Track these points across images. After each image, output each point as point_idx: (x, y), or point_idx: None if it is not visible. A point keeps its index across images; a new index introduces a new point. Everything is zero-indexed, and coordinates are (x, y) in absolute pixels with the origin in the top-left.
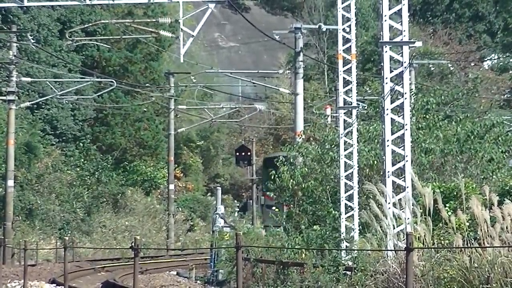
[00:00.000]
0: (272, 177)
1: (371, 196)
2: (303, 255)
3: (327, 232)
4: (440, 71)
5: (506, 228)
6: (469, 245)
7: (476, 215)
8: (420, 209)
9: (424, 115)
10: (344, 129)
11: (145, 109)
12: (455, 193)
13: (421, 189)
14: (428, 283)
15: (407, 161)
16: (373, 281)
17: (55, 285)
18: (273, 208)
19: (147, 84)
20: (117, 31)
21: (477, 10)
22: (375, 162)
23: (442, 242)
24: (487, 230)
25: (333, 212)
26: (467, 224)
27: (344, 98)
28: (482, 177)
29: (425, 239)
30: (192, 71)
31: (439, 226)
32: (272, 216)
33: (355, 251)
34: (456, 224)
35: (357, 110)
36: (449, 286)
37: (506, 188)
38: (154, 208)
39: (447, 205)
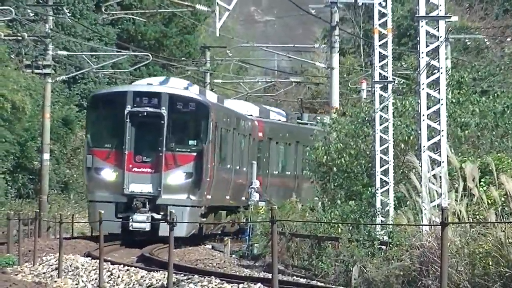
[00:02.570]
0: (100, 123)
1: (408, 170)
2: (339, 230)
3: (362, 207)
4: (476, 46)
5: None
6: (503, 220)
7: (508, 190)
8: (456, 183)
9: (459, 91)
10: (380, 103)
11: None
12: (490, 168)
13: (457, 164)
14: (463, 258)
15: (442, 136)
16: (408, 256)
17: (90, 258)
18: (108, 172)
19: (182, 58)
20: (153, 5)
21: None
22: (411, 137)
23: (477, 217)
24: None
25: (368, 187)
26: (502, 199)
27: (380, 72)
28: None
29: (461, 214)
30: (228, 45)
31: (474, 202)
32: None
33: (390, 226)
34: (489, 200)
35: (393, 85)
36: (484, 261)
37: None
38: None
39: (482, 180)
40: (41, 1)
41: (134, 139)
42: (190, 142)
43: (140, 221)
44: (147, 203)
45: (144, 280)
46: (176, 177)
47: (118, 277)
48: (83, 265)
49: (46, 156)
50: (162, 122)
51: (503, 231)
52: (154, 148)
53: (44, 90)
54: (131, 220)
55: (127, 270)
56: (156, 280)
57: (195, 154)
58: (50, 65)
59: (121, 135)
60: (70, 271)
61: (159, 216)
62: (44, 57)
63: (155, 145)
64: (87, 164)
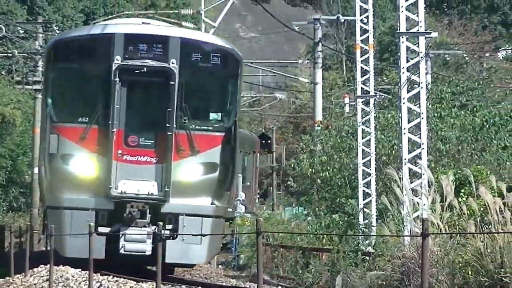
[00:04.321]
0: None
1: (390, 183)
2: (323, 241)
3: (345, 219)
4: (456, 61)
5: None
6: (482, 231)
7: (487, 202)
8: (436, 196)
9: (439, 105)
10: (362, 117)
11: None
12: (469, 180)
13: (432, 177)
14: (443, 268)
15: (423, 148)
16: (391, 266)
17: (80, 269)
18: (82, 162)
19: None
20: None
21: (492, 2)
22: (392, 149)
23: (457, 228)
24: (497, 217)
25: (350, 200)
26: (481, 210)
27: (362, 87)
28: (496, 164)
29: (440, 225)
30: None
31: (453, 213)
32: None
33: (373, 236)
34: (469, 211)
35: (375, 99)
36: (463, 271)
37: None
38: None
39: (461, 191)
40: (30, 19)
41: (126, 110)
42: (214, 116)
43: (136, 239)
44: (147, 211)
45: None
46: (193, 170)
47: (107, 287)
48: (73, 276)
49: (36, 170)
50: (172, 83)
51: (482, 242)
52: (157, 124)
53: (34, 105)
54: (121, 239)
55: (116, 281)
56: None
57: (221, 134)
58: (40, 81)
59: (105, 103)
60: (60, 282)
61: (165, 232)
62: (34, 73)
63: (159, 119)
64: (50, 149)
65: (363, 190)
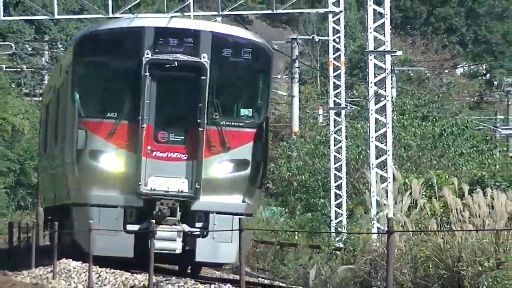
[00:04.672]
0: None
1: (358, 185)
2: (296, 237)
3: (318, 218)
4: (418, 76)
5: (476, 214)
6: (442, 228)
7: (449, 202)
8: (401, 197)
9: (403, 116)
10: (334, 127)
11: None
12: (430, 183)
13: (401, 179)
14: (407, 262)
15: (388, 155)
16: (360, 260)
17: (81, 262)
18: (111, 158)
19: None
20: None
21: (451, 24)
22: (361, 156)
23: (420, 226)
24: (457, 216)
25: (322, 200)
26: (441, 210)
27: (334, 100)
28: (454, 169)
29: (405, 224)
30: None
31: (416, 212)
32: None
33: (345, 233)
34: (430, 211)
35: (346, 111)
36: (425, 264)
37: (475, 178)
38: None
39: (423, 193)
40: (37, 38)
41: (156, 105)
42: (244, 111)
43: (167, 237)
44: (177, 209)
45: (128, 281)
46: (224, 167)
47: (105, 278)
48: (74, 268)
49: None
50: (203, 78)
51: (442, 238)
52: (188, 120)
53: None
54: (151, 237)
55: (113, 272)
56: (139, 281)
57: (253, 131)
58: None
59: (134, 98)
60: (63, 274)
61: (195, 230)
62: (41, 86)
63: (189, 115)
64: (78, 144)
65: (335, 192)
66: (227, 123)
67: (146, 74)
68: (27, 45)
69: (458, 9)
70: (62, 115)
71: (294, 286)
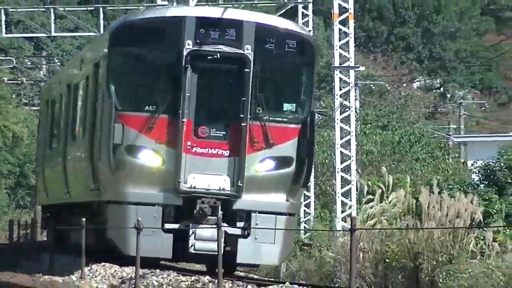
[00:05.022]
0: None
1: (325, 187)
2: None
3: None
4: (379, 89)
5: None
6: (400, 227)
7: (423, 202)
8: (364, 197)
9: (365, 125)
10: None
11: None
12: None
13: (364, 183)
14: (369, 256)
15: (352, 160)
16: (325, 255)
17: (75, 254)
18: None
19: None
20: None
21: (409, 42)
22: (327, 161)
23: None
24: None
25: None
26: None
27: None
28: (410, 173)
29: (371, 222)
30: None
31: (382, 213)
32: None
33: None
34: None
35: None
36: (387, 259)
37: (431, 182)
38: None
39: (385, 194)
40: (36, 53)
41: (196, 99)
42: (288, 106)
43: (208, 238)
44: (218, 207)
45: (117, 273)
46: (267, 164)
47: (96, 270)
48: (68, 261)
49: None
50: (247, 70)
51: (400, 234)
52: (230, 114)
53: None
54: (191, 237)
55: (104, 265)
56: (126, 273)
57: (297, 126)
58: None
59: (174, 91)
60: (57, 268)
61: (236, 231)
62: (39, 97)
63: (232, 109)
64: (114, 139)
65: (304, 193)
66: (271, 118)
67: (187, 66)
68: (26, 60)
69: (415, 29)
70: (91, 109)
71: (266, 278)
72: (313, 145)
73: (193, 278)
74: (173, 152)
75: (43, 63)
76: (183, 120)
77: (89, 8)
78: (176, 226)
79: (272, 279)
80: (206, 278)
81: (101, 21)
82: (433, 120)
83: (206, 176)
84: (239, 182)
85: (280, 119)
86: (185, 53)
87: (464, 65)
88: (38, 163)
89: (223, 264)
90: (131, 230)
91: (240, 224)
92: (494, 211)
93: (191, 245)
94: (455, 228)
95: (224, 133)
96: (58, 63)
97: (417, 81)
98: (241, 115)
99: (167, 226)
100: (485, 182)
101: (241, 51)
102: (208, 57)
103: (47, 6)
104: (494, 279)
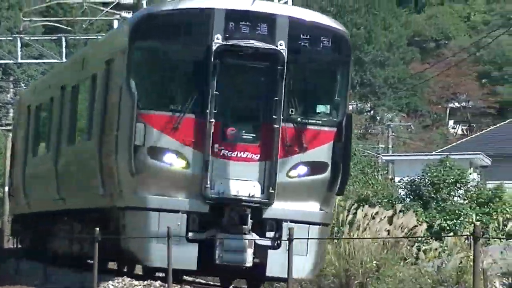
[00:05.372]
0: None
1: None
2: None
3: None
4: None
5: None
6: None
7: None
8: None
9: None
10: None
11: None
12: None
13: None
14: None
15: None
16: None
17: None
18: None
19: None
20: None
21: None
22: None
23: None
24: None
25: None
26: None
27: None
28: None
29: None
30: None
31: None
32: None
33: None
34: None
35: None
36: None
37: (362, 197)
38: None
39: None
40: (3, 78)
41: (225, 97)
42: (322, 108)
43: (236, 248)
44: (248, 216)
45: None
46: (300, 170)
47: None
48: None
49: (6, 188)
50: (280, 68)
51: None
52: (261, 115)
53: (6, 142)
54: (218, 248)
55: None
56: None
57: (333, 130)
58: (11, 124)
59: (201, 89)
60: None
61: (266, 241)
62: (6, 118)
63: (263, 110)
64: (136, 139)
65: None
66: (304, 120)
67: (216, 62)
68: None
69: None
70: (100, 109)
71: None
72: (350, 150)
73: (145, 282)
74: (199, 155)
75: (10, 87)
76: (211, 120)
77: (52, 38)
78: (201, 235)
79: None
80: (157, 283)
81: (63, 49)
82: (364, 140)
83: (235, 181)
84: (271, 188)
85: (314, 121)
86: (214, 48)
87: (392, 90)
88: (14, 173)
89: (251, 277)
90: (153, 239)
91: (270, 234)
92: (419, 223)
93: (218, 256)
94: (385, 238)
95: (254, 135)
96: (24, 87)
97: (350, 104)
98: (274, 116)
99: (191, 235)
100: (410, 196)
101: (275, 47)
102: (239, 53)
103: (14, 36)
104: (422, 282)
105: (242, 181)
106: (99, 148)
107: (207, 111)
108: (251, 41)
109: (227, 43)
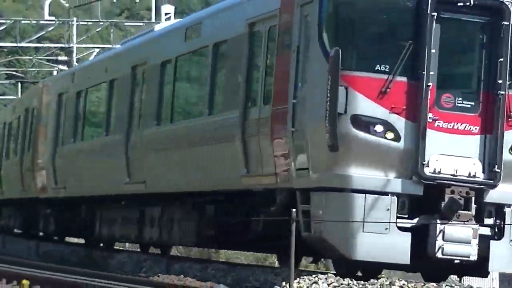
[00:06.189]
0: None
1: None
2: None
3: None
4: None
5: None
6: None
7: None
8: None
9: None
10: None
11: None
12: None
13: None
14: None
15: None
16: None
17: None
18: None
19: None
20: None
21: None
22: None
23: None
24: None
25: None
26: None
27: None
28: None
29: None
30: None
31: None
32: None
33: None
34: None
35: None
36: None
37: None
38: None
39: None
40: None
41: (440, 58)
42: None
43: (462, 239)
44: (472, 199)
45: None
46: None
47: None
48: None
49: None
50: (506, 24)
51: None
52: (482, 80)
53: None
54: (438, 237)
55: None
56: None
57: None
58: None
59: (414, 47)
60: None
61: (486, 230)
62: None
63: (485, 74)
64: (339, 106)
65: None
66: None
67: (433, 14)
68: None
69: None
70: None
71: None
72: None
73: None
74: (412, 127)
75: None
76: (428, 84)
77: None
78: (414, 222)
79: None
80: None
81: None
82: None
83: (452, 158)
84: (496, 167)
85: None
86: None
87: None
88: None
89: (473, 272)
90: (356, 226)
91: (488, 221)
92: None
93: (438, 248)
94: None
95: (473, 103)
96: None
97: None
98: (498, 81)
99: (401, 222)
100: None
101: (499, 2)
102: (458, 5)
103: None
104: None
105: (460, 158)
106: (242, 122)
107: (423, 72)
108: None
109: None
